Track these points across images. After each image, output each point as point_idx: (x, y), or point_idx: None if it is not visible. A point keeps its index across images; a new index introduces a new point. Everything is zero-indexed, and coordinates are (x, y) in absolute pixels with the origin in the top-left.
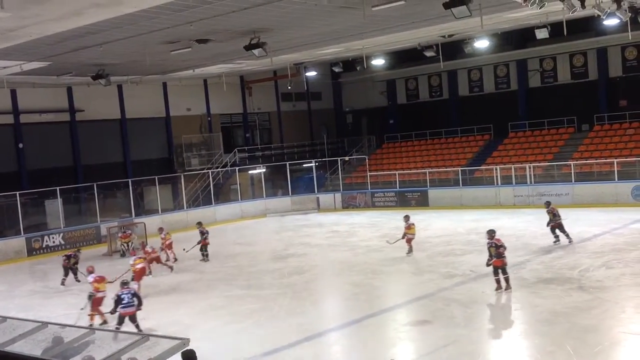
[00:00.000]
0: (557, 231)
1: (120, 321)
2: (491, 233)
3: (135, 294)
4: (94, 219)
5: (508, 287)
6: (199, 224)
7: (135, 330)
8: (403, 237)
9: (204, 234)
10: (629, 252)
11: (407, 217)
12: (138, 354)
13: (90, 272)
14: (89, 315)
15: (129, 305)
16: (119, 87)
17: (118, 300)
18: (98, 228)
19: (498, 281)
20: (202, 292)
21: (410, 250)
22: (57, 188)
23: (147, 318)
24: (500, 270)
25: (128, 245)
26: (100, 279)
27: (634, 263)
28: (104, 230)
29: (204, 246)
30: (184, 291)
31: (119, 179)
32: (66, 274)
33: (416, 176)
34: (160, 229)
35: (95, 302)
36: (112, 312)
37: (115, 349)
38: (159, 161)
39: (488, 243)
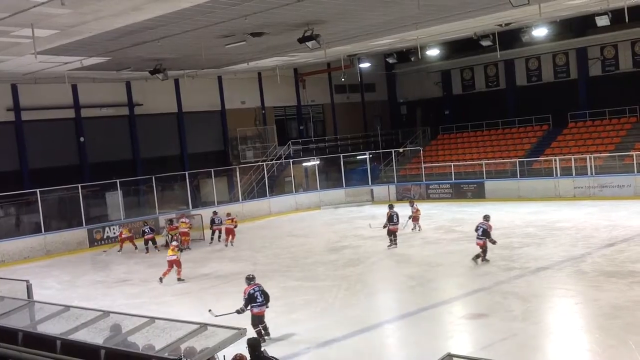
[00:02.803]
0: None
1: (259, 321)
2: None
3: (263, 291)
4: (152, 211)
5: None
6: (214, 213)
7: (262, 332)
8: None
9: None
10: None
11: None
12: (196, 342)
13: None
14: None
15: (262, 304)
16: (176, 82)
17: (250, 299)
18: (157, 219)
19: None
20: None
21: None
22: (117, 180)
23: (205, 308)
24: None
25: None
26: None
27: None
28: (163, 222)
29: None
30: (239, 281)
31: (176, 172)
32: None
33: (472, 168)
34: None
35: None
36: (241, 310)
37: (175, 338)
38: (214, 154)
39: None
